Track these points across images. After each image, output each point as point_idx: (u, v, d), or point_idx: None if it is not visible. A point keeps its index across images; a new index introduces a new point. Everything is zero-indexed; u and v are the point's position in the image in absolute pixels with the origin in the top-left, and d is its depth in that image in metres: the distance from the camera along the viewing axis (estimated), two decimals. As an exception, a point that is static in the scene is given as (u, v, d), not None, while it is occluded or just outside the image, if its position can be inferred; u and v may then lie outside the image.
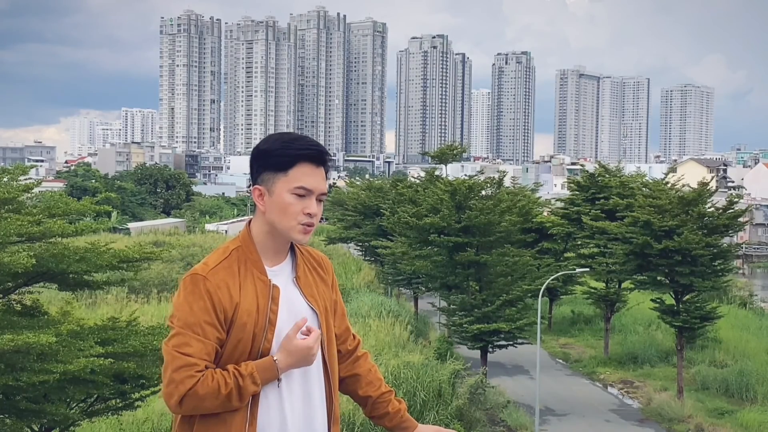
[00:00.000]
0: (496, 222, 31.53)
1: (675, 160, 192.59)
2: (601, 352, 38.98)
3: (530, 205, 41.52)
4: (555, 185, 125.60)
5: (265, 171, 2.79)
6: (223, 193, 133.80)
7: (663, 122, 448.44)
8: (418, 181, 48.23)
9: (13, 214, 14.56)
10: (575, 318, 46.73)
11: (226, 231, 76.92)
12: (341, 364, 3.05)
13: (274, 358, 2.74)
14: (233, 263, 2.79)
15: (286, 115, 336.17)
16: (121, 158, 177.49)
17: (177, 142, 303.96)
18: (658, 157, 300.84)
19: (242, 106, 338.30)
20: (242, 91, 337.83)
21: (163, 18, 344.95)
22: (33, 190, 16.11)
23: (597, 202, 39.12)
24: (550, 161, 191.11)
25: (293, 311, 2.83)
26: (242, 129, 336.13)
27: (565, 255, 41.98)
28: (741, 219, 33.05)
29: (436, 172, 45.41)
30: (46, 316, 14.77)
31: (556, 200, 48.20)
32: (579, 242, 40.28)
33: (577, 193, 41.88)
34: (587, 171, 45.43)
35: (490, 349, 31.12)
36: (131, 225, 79.46)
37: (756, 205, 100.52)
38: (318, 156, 2.80)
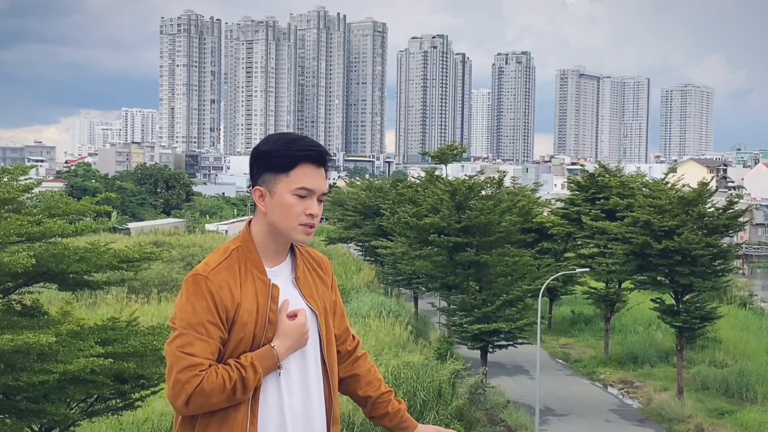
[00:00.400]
0: (496, 222, 31.52)
1: (675, 160, 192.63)
2: (601, 352, 38.99)
3: (530, 205, 41.51)
4: (555, 185, 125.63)
5: (265, 172, 2.80)
6: (223, 193, 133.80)
7: (663, 122, 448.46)
8: (418, 181, 48.24)
9: (13, 214, 14.56)
10: (575, 318, 46.74)
11: (226, 231, 76.92)
12: (341, 364, 3.06)
13: (272, 345, 2.76)
14: (234, 263, 2.80)
15: (286, 115, 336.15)
16: (121, 158, 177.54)
17: (177, 142, 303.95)
18: (658, 157, 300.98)
19: (242, 106, 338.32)
20: (242, 91, 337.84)
21: (163, 18, 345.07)
22: (33, 190, 16.10)
23: (597, 202, 39.12)
24: (550, 161, 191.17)
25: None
26: (242, 129, 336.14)
27: (565, 255, 41.98)
28: (741, 219, 33.02)
29: (436, 172, 45.43)
30: (46, 316, 14.77)
31: (556, 200, 48.22)
32: (579, 242, 40.28)
33: (577, 193, 41.88)
34: (587, 171, 45.44)
35: (490, 349, 31.11)
36: (131, 225, 79.47)
37: (756, 205, 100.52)
38: (319, 156, 2.81)
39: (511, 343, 30.79)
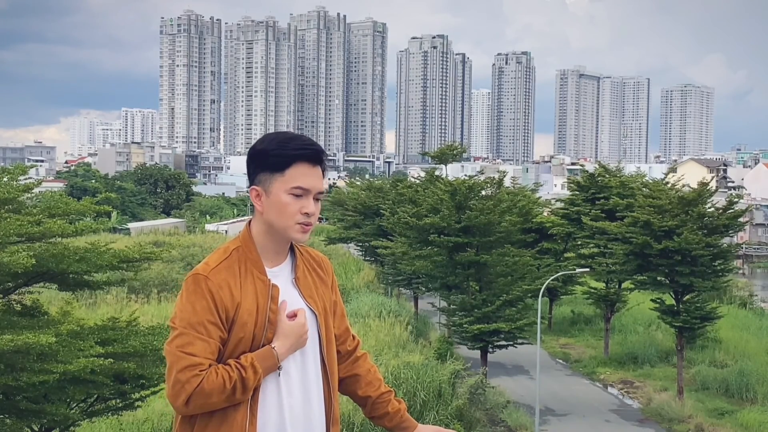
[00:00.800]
0: (496, 222, 31.52)
1: (675, 160, 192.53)
2: (601, 352, 38.98)
3: (530, 205, 41.52)
4: (555, 185, 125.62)
5: (261, 171, 2.80)
6: (223, 193, 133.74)
7: (663, 122, 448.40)
8: (418, 181, 48.22)
9: (13, 214, 14.56)
10: (575, 318, 46.74)
11: (226, 231, 76.94)
12: (341, 364, 3.06)
13: (272, 346, 2.76)
14: (234, 263, 2.80)
15: (286, 115, 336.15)
16: (121, 158, 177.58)
17: (177, 142, 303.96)
18: (658, 157, 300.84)
19: (242, 106, 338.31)
20: (242, 91, 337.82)
21: (163, 18, 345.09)
22: (33, 190, 16.10)
23: (597, 202, 39.10)
24: (550, 161, 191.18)
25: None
26: (242, 129, 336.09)
27: (565, 255, 41.99)
28: (741, 219, 33.03)
29: (436, 172, 45.41)
30: (46, 316, 14.77)
31: (556, 200, 48.22)
32: (579, 242, 40.29)
33: (577, 193, 41.87)
34: (587, 171, 45.38)
35: (490, 349, 31.11)
36: (131, 225, 79.49)
37: (756, 205, 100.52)
38: (314, 155, 2.80)
39: (511, 343, 30.79)
